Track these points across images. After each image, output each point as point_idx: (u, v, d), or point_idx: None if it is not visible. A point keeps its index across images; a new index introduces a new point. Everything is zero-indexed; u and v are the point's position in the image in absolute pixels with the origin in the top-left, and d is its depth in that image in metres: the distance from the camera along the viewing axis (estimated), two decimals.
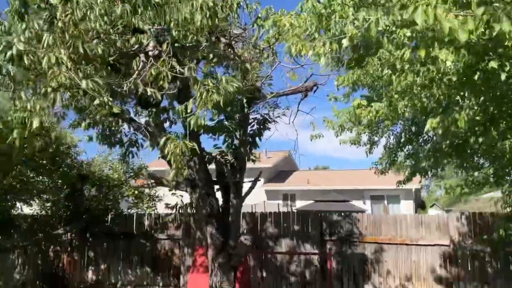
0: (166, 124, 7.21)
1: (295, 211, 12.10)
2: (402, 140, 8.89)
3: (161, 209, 10.84)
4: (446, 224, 9.16)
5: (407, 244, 9.32)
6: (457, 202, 29.84)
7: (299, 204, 26.98)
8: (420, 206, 30.26)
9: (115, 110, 4.09)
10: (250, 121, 7.84)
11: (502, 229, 6.23)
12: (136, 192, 11.27)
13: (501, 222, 6.89)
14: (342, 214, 10.10)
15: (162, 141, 4.31)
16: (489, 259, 8.75)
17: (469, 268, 8.82)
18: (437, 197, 49.09)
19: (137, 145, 7.75)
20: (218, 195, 7.85)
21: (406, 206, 27.00)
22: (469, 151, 5.98)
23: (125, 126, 7.46)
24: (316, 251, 9.74)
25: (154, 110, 6.81)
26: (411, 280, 9.20)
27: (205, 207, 7.29)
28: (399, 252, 9.37)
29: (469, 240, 8.88)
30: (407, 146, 8.91)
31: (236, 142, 7.67)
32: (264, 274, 10.05)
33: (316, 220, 10.01)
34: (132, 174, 11.29)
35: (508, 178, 6.67)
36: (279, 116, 8.20)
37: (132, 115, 7.13)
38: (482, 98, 4.35)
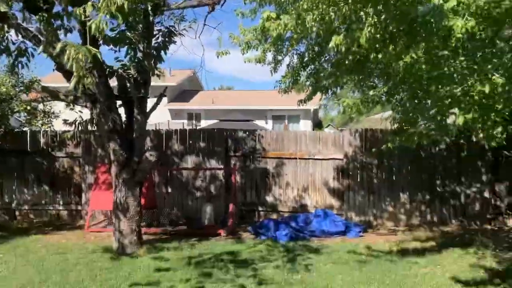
0: (60, 32, 6.58)
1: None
2: (306, 59, 9.12)
3: (58, 126, 10.21)
4: (341, 140, 9.85)
5: (305, 159, 9.93)
6: (350, 122, 32.03)
7: (204, 123, 27.14)
8: (317, 125, 32.02)
9: (2, 8, 3.60)
10: (154, 33, 7.46)
11: (390, 143, 6.83)
12: (28, 107, 10.41)
13: (389, 136, 7.56)
14: (247, 131, 10.35)
15: (58, 47, 3.95)
16: (376, 170, 9.69)
17: (359, 179, 9.72)
18: (332, 117, 52.25)
19: (27, 54, 7.03)
20: (121, 111, 7.60)
21: (305, 126, 28.41)
22: (367, 71, 6.30)
23: (12, 33, 6.69)
24: (221, 167, 10.01)
25: (45, 15, 6.15)
26: (308, 191, 9.93)
27: (107, 123, 7.03)
28: (298, 166, 9.98)
29: (360, 154, 9.70)
30: (310, 66, 9.19)
31: (139, 55, 7.28)
32: (170, 190, 10.19)
33: (222, 137, 10.18)
34: (22, 88, 10.35)
35: (398, 96, 7.23)
36: (185, 29, 7.91)
37: (19, 21, 6.40)
38: (383, 16, 4.54)
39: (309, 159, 9.92)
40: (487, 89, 5.16)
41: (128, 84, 7.51)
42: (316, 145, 9.93)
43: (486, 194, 9.36)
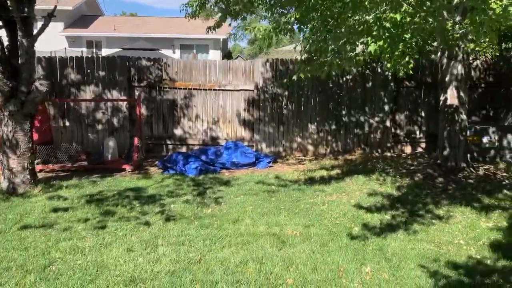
0: None
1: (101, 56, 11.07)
2: None
3: None
4: (251, 70, 9.57)
5: (215, 90, 9.56)
6: (259, 53, 31.84)
7: (106, 52, 25.24)
8: (227, 56, 31.34)
9: None
10: None
11: (301, 73, 6.68)
12: None
13: (299, 66, 7.40)
14: (152, 59, 9.63)
15: None
16: (286, 101, 9.64)
17: (269, 111, 9.62)
18: (241, 49, 51.55)
19: None
20: (2, 34, 6.59)
21: (214, 56, 27.65)
22: None
23: None
24: (124, 98, 9.32)
25: None
26: (218, 123, 9.68)
27: None
28: (207, 97, 9.60)
29: (271, 85, 9.53)
30: None
31: None
32: (68, 123, 9.34)
33: (124, 66, 9.38)
34: None
35: (310, 25, 7.01)
36: None
37: None
38: None
39: (219, 90, 9.57)
40: (398, 16, 5.11)
41: (8, 2, 6.45)
42: (226, 75, 9.56)
43: (388, 123, 9.79)
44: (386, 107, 9.74)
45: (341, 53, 6.11)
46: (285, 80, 9.15)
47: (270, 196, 6.36)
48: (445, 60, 7.17)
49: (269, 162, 8.69)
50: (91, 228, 4.99)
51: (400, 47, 5.47)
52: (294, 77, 6.58)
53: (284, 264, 4.13)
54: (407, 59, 5.49)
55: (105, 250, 4.40)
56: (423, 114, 9.91)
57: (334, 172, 7.90)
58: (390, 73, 9.52)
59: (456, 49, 6.92)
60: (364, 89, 9.68)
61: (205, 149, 8.86)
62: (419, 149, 9.96)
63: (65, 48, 22.60)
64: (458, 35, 5.60)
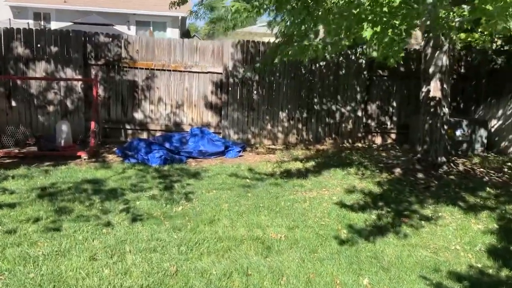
0: None
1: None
2: None
3: None
4: (220, 52, 8.92)
5: (180, 71, 8.85)
6: (224, 34, 30.89)
7: (55, 25, 23.52)
8: (185, 35, 30.18)
9: None
10: None
11: (284, 55, 6.14)
12: None
13: (275, 49, 6.84)
14: (111, 36, 8.75)
15: None
16: (256, 86, 9.08)
17: (238, 96, 9.04)
18: (197, 28, 50.09)
19: None
20: None
21: (172, 34, 26.47)
22: None
23: None
24: (80, 77, 8.44)
25: None
26: (183, 108, 8.99)
27: None
28: (172, 79, 8.87)
29: (241, 68, 8.93)
30: None
31: None
32: (14, 103, 8.35)
33: (79, 41, 8.47)
34: None
35: (289, 6, 6.47)
36: None
37: None
38: None
39: (184, 71, 8.86)
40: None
41: None
42: (193, 56, 8.86)
43: (359, 113, 9.46)
44: (359, 96, 9.40)
45: (330, 37, 5.63)
46: (257, 65, 8.59)
47: (246, 192, 5.82)
48: (429, 50, 6.83)
49: (239, 151, 8.14)
50: (45, 230, 4.28)
51: (389, 33, 5.06)
52: (276, 61, 6.03)
53: (273, 277, 3.64)
54: (396, 48, 5.08)
55: (63, 259, 3.73)
56: (394, 104, 9.67)
57: (309, 165, 7.45)
58: (364, 61, 9.17)
59: (442, 38, 6.59)
60: (337, 76, 9.27)
61: (169, 136, 8.19)
62: (389, 140, 9.73)
63: (9, 19, 20.82)
64: (453, 23, 5.23)
